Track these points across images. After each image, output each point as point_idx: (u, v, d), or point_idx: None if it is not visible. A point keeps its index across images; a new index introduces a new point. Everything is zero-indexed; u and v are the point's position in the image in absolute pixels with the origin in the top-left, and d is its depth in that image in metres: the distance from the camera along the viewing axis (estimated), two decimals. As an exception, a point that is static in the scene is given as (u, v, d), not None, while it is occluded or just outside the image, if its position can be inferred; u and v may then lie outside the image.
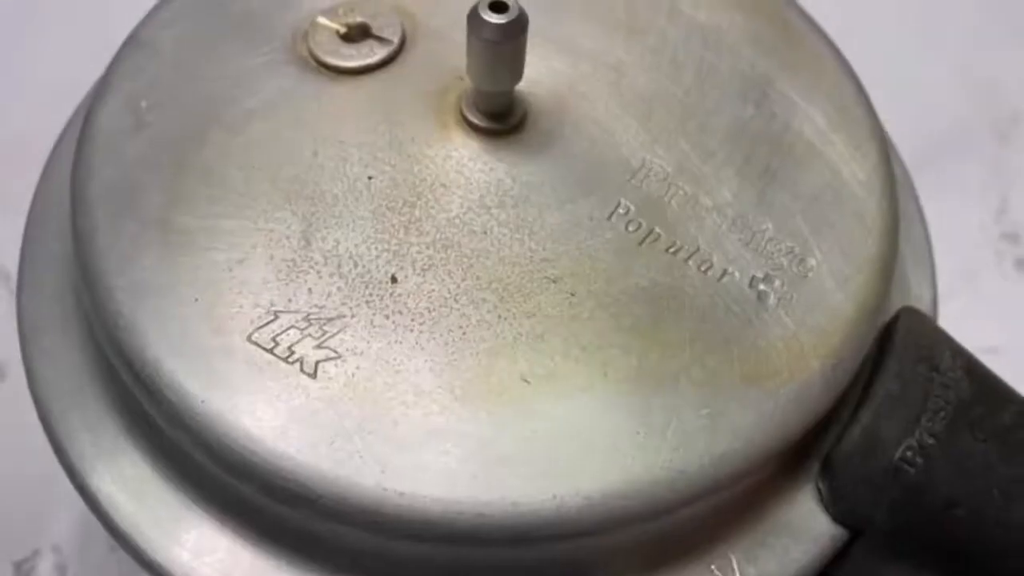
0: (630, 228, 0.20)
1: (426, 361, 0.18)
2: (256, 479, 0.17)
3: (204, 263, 0.19)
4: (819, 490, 0.20)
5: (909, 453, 0.19)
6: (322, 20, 0.22)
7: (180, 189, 0.20)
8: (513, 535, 0.17)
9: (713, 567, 0.19)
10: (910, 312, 0.21)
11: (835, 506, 0.20)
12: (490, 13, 0.18)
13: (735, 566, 0.19)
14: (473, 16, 0.18)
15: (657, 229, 0.20)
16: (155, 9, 0.23)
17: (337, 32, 0.22)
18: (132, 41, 0.22)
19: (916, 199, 0.25)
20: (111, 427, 0.20)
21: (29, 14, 0.40)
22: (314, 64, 0.22)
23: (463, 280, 0.19)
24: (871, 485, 0.19)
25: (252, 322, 0.18)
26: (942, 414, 0.20)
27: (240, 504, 0.18)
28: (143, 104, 0.21)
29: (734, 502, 0.19)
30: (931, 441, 0.19)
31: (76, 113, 0.24)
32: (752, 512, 0.19)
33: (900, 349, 0.20)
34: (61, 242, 0.22)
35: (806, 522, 0.20)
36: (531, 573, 0.18)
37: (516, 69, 0.20)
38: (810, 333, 0.19)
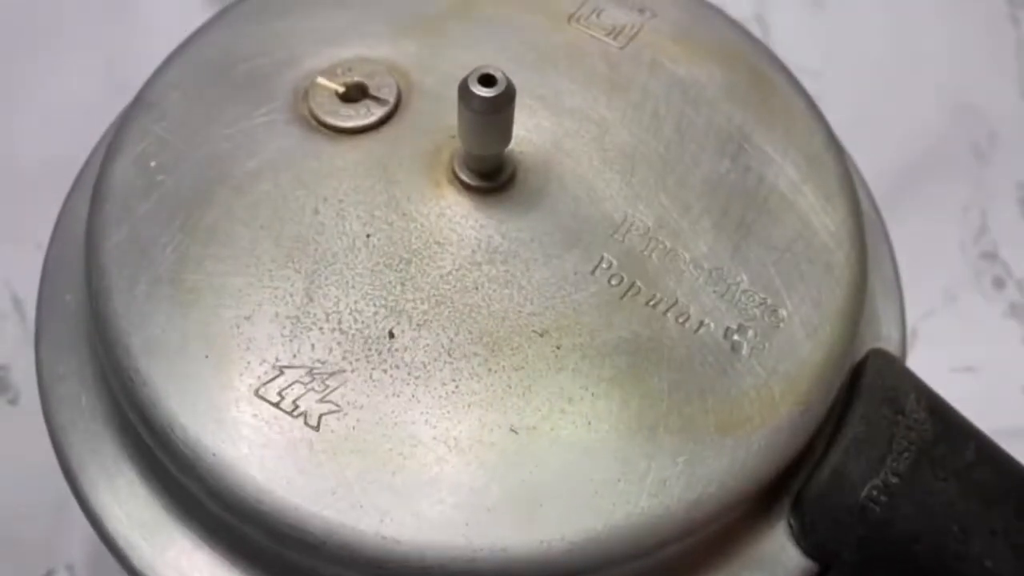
0: (612, 282, 0.21)
1: (422, 413, 0.19)
2: (264, 526, 0.19)
3: (213, 321, 0.20)
4: (791, 525, 0.21)
5: (875, 492, 0.21)
6: (322, 81, 0.23)
7: (189, 248, 0.21)
8: None
9: (691, 601, 0.20)
10: (878, 354, 0.22)
11: (806, 541, 0.21)
12: (479, 87, 0.20)
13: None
14: (463, 89, 0.20)
15: (638, 283, 0.21)
16: (159, 70, 0.24)
17: (336, 92, 0.23)
18: (139, 102, 0.23)
19: (887, 238, 0.26)
20: (127, 472, 0.21)
21: (47, 44, 0.41)
22: (314, 124, 0.23)
23: (456, 335, 0.20)
24: (839, 523, 0.21)
25: (259, 377, 0.20)
26: (906, 455, 0.21)
27: (249, 547, 0.20)
28: (152, 164, 0.22)
29: (710, 540, 0.20)
30: (895, 480, 0.21)
31: (87, 165, 0.25)
32: (728, 548, 0.21)
33: (867, 392, 0.21)
34: (75, 294, 0.23)
35: (778, 556, 0.21)
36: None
37: (505, 135, 0.21)
38: (781, 381, 0.20)
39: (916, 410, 0.22)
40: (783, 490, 0.21)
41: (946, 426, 0.22)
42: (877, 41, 0.43)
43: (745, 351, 0.21)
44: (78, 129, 0.26)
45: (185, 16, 0.25)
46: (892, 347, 0.24)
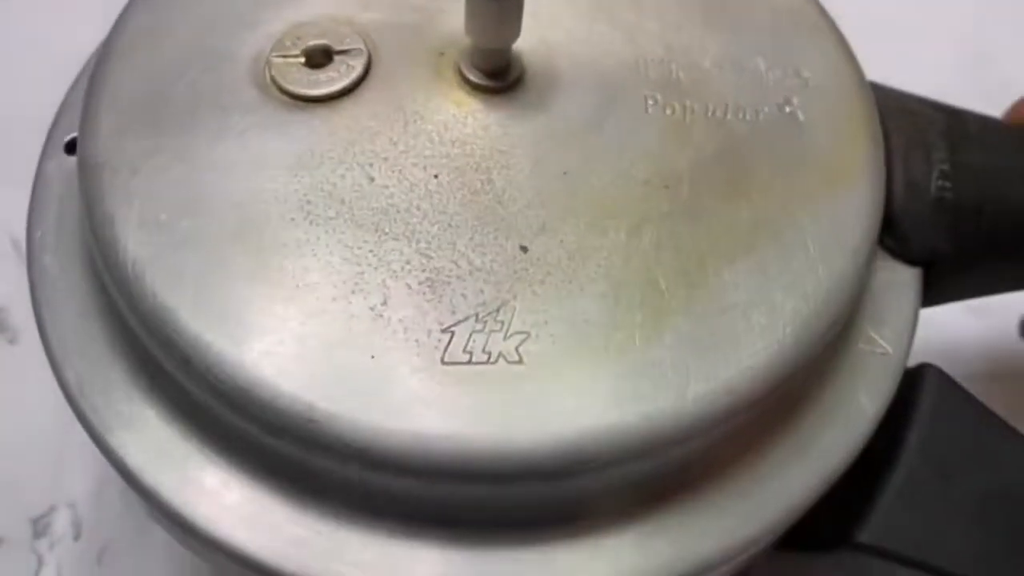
0: (668, 112, 0.22)
1: (597, 300, 0.19)
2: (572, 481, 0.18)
3: (354, 321, 0.18)
4: (886, 247, 0.23)
5: (939, 182, 0.23)
6: (277, 59, 0.21)
7: (273, 273, 0.19)
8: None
9: (860, 344, 0.22)
10: (873, 85, 0.25)
11: (907, 253, 0.23)
12: (490, -27, 0.19)
13: (874, 335, 0.22)
14: (474, -22, 0.19)
15: (688, 102, 0.22)
16: (89, 126, 0.21)
17: (300, 64, 0.21)
18: (91, 167, 0.20)
19: None
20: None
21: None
22: (302, 103, 0.21)
23: (577, 221, 0.20)
24: (927, 221, 0.23)
25: (436, 348, 0.18)
26: (939, 144, 0.24)
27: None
28: (163, 217, 0.19)
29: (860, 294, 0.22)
30: (947, 167, 0.23)
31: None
32: (866, 293, 0.22)
33: (886, 110, 0.24)
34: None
35: (894, 275, 0.23)
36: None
37: (517, 23, 0.20)
38: (842, 124, 0.22)
39: (923, 109, 0.24)
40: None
41: (947, 112, 0.25)
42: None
43: (802, 117, 0.22)
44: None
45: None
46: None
